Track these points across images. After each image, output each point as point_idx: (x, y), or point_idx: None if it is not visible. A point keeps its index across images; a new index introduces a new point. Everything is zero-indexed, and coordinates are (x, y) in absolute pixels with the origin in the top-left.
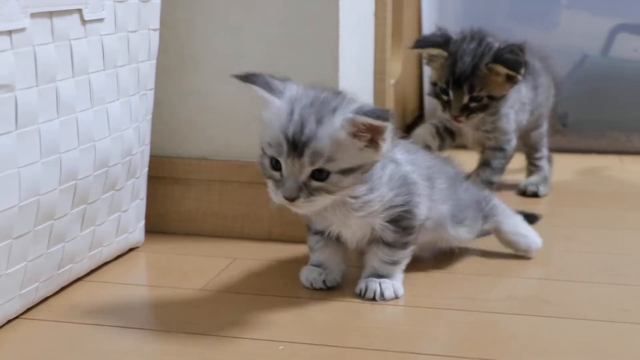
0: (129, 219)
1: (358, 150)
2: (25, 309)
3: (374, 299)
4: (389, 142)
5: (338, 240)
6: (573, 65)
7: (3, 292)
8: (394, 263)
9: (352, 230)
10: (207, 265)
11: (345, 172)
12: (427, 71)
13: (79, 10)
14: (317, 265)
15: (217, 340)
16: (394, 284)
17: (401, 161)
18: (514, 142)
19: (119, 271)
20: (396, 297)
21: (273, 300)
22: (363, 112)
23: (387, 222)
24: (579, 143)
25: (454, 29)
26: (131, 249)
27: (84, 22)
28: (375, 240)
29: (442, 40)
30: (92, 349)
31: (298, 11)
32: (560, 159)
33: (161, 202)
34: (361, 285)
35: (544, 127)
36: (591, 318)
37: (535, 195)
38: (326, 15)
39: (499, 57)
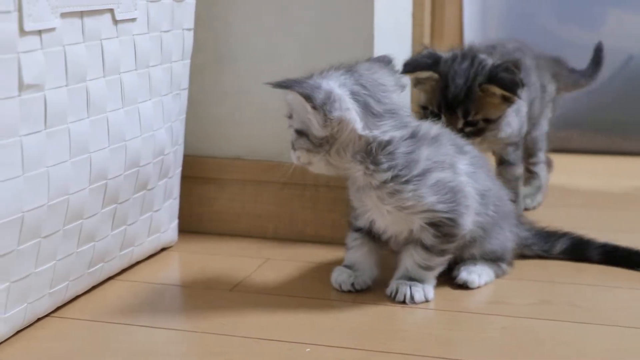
0: (162, 219)
1: None
2: (55, 307)
3: (404, 302)
4: None
5: (377, 240)
6: (618, 66)
7: (32, 290)
8: (428, 268)
9: (388, 221)
10: (239, 265)
11: None
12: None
13: (111, 10)
14: (349, 267)
15: (244, 341)
16: (425, 288)
17: (460, 171)
18: (524, 129)
19: (150, 270)
20: (426, 301)
21: (302, 301)
22: None
23: (428, 224)
24: (622, 145)
25: (495, 29)
26: (164, 249)
27: (115, 22)
28: (414, 241)
29: (431, 62)
30: (121, 348)
31: (333, 11)
32: (604, 161)
33: (195, 202)
34: (392, 287)
35: (540, 130)
36: (623, 324)
37: (525, 209)
38: (361, 15)
39: (493, 77)
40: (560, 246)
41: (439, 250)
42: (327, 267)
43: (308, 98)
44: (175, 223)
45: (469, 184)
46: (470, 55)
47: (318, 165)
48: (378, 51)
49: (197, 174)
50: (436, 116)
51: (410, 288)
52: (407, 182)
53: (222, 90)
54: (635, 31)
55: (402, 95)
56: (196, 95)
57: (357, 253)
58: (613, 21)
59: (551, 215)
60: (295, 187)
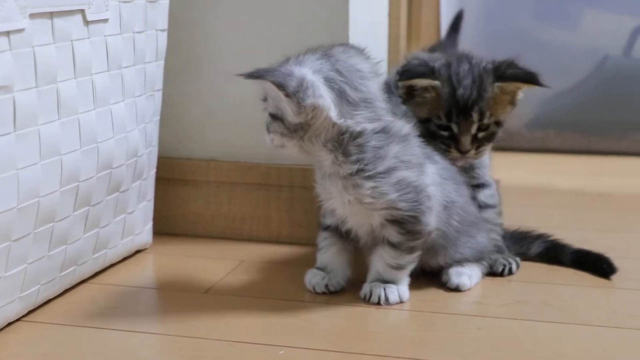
0: (136, 221)
1: None
2: (26, 311)
3: (378, 303)
4: None
5: (346, 239)
6: (594, 66)
7: (3, 294)
8: (399, 268)
9: (348, 211)
10: (214, 267)
11: None
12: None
13: (82, 11)
14: (322, 269)
15: (218, 344)
16: (399, 288)
17: (427, 174)
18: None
19: (124, 273)
20: (401, 302)
21: (277, 303)
22: None
23: (389, 222)
24: (599, 144)
25: (472, 29)
26: (138, 251)
27: (86, 22)
28: (382, 241)
29: (427, 70)
30: (94, 352)
31: (308, 11)
32: (581, 161)
33: (170, 203)
34: (365, 289)
35: None
36: (597, 324)
37: None
38: (336, 14)
39: (502, 74)
40: (535, 249)
41: (407, 248)
42: (302, 269)
43: (280, 86)
44: (149, 225)
45: (432, 187)
46: (465, 58)
47: (291, 150)
48: None
49: (172, 175)
50: (444, 128)
51: (384, 289)
52: (369, 177)
53: (197, 91)
54: (611, 31)
55: (377, 83)
56: (171, 97)
57: (328, 253)
58: (589, 21)
59: (529, 215)
60: (270, 189)
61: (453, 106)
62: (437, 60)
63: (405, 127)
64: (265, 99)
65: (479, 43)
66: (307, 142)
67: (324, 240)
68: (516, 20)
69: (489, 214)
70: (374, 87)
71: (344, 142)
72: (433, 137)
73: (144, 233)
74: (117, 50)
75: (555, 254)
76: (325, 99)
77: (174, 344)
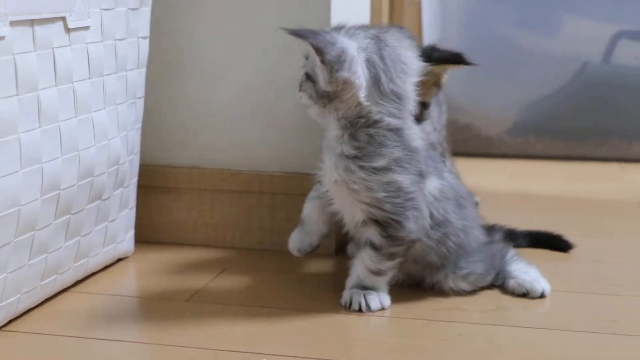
0: (118, 229)
1: None
2: (6, 321)
3: (360, 310)
4: None
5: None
6: (574, 72)
7: None
8: (379, 273)
9: (334, 192)
10: (196, 275)
11: None
12: None
13: (63, 19)
14: (302, 223)
15: (200, 352)
16: (380, 295)
17: (427, 186)
18: None
19: (106, 282)
20: (382, 308)
21: (259, 311)
22: None
23: (372, 221)
24: (579, 150)
25: (455, 36)
26: (120, 259)
27: (68, 30)
28: (364, 243)
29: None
30: None
31: (292, 17)
32: (561, 167)
33: (152, 211)
34: (346, 297)
35: None
36: (577, 329)
37: None
38: (319, 21)
39: (431, 57)
40: (497, 238)
41: (388, 253)
42: (284, 276)
43: (319, 51)
44: (131, 233)
45: (425, 203)
46: None
47: (313, 112)
48: None
49: (154, 183)
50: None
51: (364, 297)
52: (362, 168)
53: (179, 98)
54: (591, 38)
55: (415, 82)
56: (153, 104)
57: (310, 204)
58: (569, 28)
59: (509, 220)
60: (252, 196)
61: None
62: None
63: (418, 140)
64: (307, 57)
65: (460, 49)
66: (327, 110)
67: (314, 191)
68: (497, 27)
69: None
70: (410, 86)
71: (356, 125)
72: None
73: (125, 241)
74: (99, 57)
75: (511, 239)
76: (359, 76)
77: (156, 352)
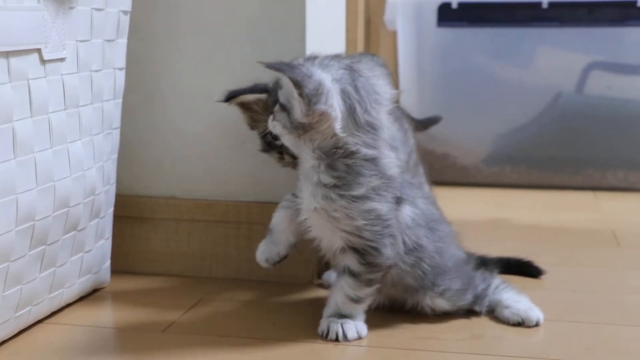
0: (93, 260)
1: None
2: None
3: (336, 339)
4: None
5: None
6: (548, 102)
7: None
8: (358, 301)
9: (312, 220)
10: (173, 306)
11: None
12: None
13: (38, 50)
14: (270, 232)
15: None
16: (357, 324)
17: (402, 213)
18: None
19: (81, 313)
20: (359, 338)
21: (235, 341)
22: None
23: (350, 249)
24: (554, 179)
25: (430, 67)
26: (96, 290)
27: (43, 61)
28: (343, 271)
29: (254, 86)
30: None
31: (264, 48)
32: (536, 195)
33: (129, 241)
34: (323, 326)
35: None
36: (553, 357)
37: None
38: (292, 53)
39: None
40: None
41: (366, 280)
42: (261, 306)
43: (297, 84)
44: (107, 264)
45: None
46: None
47: (287, 141)
48: None
49: (131, 213)
50: (277, 137)
51: (342, 325)
52: (342, 196)
53: (156, 129)
54: (564, 69)
55: (388, 111)
56: (129, 134)
57: (280, 213)
58: (542, 59)
59: (485, 249)
60: (229, 226)
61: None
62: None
63: (394, 168)
64: (280, 87)
65: (436, 80)
66: (302, 141)
67: (285, 201)
68: (472, 58)
69: None
70: (384, 115)
71: (333, 155)
72: (272, 149)
73: (101, 272)
74: (75, 88)
75: (482, 265)
76: (335, 109)
77: None
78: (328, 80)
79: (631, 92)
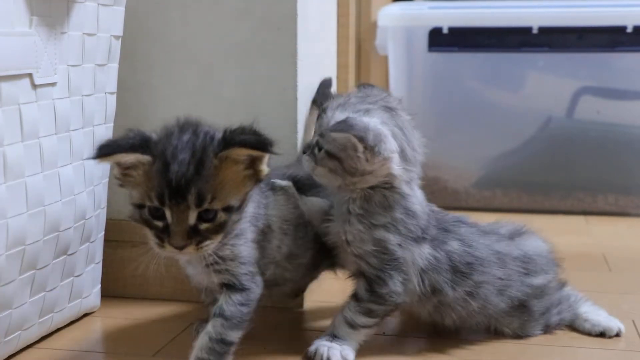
0: (84, 284)
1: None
2: None
3: None
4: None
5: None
6: (539, 127)
7: None
8: (353, 326)
9: (335, 229)
10: (163, 330)
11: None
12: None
13: (29, 75)
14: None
15: None
16: (343, 350)
17: (423, 252)
18: None
19: (71, 337)
20: None
21: None
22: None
23: (360, 274)
24: (544, 203)
25: (422, 93)
26: (86, 314)
27: (34, 86)
28: (351, 295)
29: (136, 142)
30: None
31: (256, 73)
32: (527, 220)
33: (119, 266)
34: (312, 347)
35: None
36: None
37: None
38: (284, 78)
39: (231, 141)
40: None
41: (367, 308)
42: (252, 330)
43: (361, 140)
44: (97, 288)
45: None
46: (190, 125)
47: (323, 178)
48: (301, 113)
49: (121, 237)
50: (159, 216)
51: (328, 349)
52: (360, 222)
53: None
54: (554, 93)
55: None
56: None
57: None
58: (533, 84)
59: None
60: None
61: (165, 187)
62: (162, 129)
63: (417, 204)
64: (321, 135)
65: (427, 106)
66: (354, 182)
67: None
68: (463, 83)
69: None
70: (423, 152)
71: (374, 188)
72: (149, 227)
73: (92, 296)
74: (66, 113)
75: None
76: (394, 152)
77: None
78: (379, 125)
79: (621, 116)
